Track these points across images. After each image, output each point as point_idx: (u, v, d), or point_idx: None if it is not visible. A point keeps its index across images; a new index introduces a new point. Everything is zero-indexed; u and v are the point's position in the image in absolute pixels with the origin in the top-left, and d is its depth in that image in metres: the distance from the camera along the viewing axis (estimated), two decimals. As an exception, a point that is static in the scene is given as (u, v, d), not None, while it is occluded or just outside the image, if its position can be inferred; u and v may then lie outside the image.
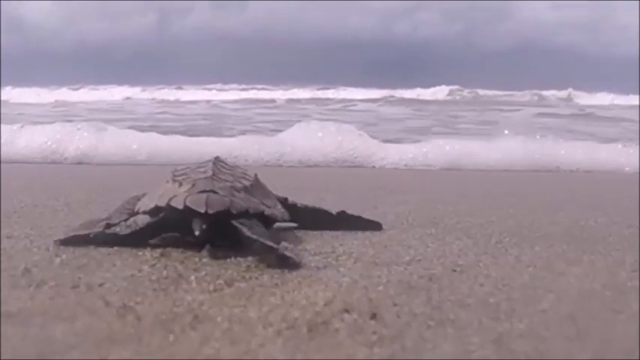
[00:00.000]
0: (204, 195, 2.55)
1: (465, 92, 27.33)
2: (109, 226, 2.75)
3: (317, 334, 1.63)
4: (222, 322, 1.71)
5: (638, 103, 18.57)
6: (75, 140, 8.22)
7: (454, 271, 2.37)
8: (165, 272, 2.24)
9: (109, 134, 8.45)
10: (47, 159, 8.03)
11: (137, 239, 2.67)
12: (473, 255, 2.65)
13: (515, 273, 2.37)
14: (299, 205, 3.10)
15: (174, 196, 2.60)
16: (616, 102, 23.69)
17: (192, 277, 2.17)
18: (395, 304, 1.89)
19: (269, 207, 2.76)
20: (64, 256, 2.45)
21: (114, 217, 2.85)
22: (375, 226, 3.20)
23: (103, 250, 2.57)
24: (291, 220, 2.92)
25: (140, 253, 2.51)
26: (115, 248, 2.59)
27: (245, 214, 2.58)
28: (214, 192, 2.58)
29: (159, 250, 2.54)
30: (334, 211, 3.16)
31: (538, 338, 1.66)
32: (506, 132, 9.21)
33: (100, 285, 2.07)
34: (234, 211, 2.55)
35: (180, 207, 2.54)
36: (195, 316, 1.75)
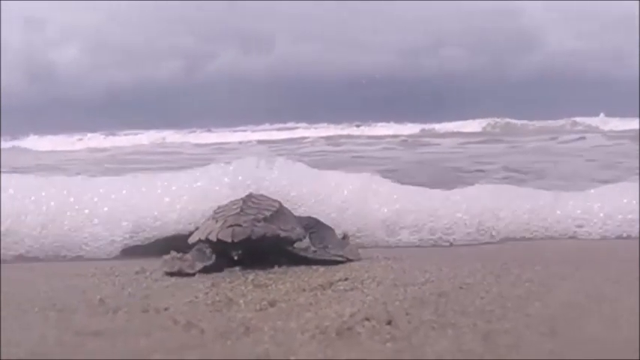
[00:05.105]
0: (231, 228, 3.28)
1: (502, 122, 27.54)
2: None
3: (343, 337, 2.06)
4: (269, 331, 2.14)
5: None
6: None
7: (461, 288, 2.78)
8: (217, 297, 2.67)
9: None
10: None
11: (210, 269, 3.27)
12: (480, 275, 3.06)
13: (512, 288, 2.76)
14: None
15: (211, 231, 3.32)
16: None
17: (241, 301, 2.60)
18: (407, 314, 2.31)
19: (285, 230, 3.43)
20: (129, 289, 2.89)
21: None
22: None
23: (162, 283, 3.02)
24: None
25: (194, 285, 2.95)
26: (173, 281, 3.04)
27: (263, 238, 3.30)
28: (239, 225, 3.29)
29: (210, 281, 2.99)
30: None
31: (519, 334, 2.08)
32: None
33: (166, 309, 2.50)
34: (254, 237, 3.26)
35: (214, 240, 3.28)
36: (247, 328, 2.18)
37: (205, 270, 3.22)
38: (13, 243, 3.94)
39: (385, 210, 4.28)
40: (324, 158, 13.19)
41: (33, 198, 4.12)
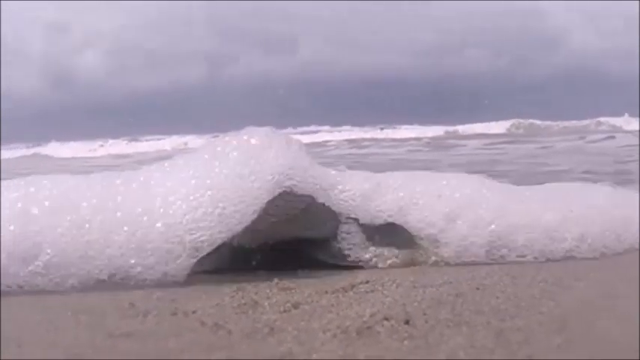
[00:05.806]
0: (250, 233, 3.25)
1: (525, 123, 27.47)
2: None
3: (363, 336, 2.15)
4: (292, 331, 2.24)
5: None
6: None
7: (477, 289, 2.87)
8: (243, 300, 2.77)
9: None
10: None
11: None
12: (497, 276, 3.14)
13: (528, 288, 2.85)
14: None
15: (234, 236, 3.28)
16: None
17: (266, 303, 2.71)
18: (425, 314, 2.40)
19: (310, 230, 3.45)
20: (159, 294, 3.00)
21: None
22: None
23: (189, 287, 3.13)
24: None
25: (221, 288, 3.06)
26: (199, 285, 3.15)
27: (282, 241, 3.34)
28: (259, 230, 3.27)
29: (235, 285, 3.08)
30: None
31: (530, 330, 2.17)
32: None
33: (194, 312, 2.60)
34: (271, 242, 3.32)
35: (235, 244, 3.31)
36: (271, 329, 2.28)
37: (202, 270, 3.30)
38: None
39: (493, 226, 3.59)
40: (360, 162, 13.11)
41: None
